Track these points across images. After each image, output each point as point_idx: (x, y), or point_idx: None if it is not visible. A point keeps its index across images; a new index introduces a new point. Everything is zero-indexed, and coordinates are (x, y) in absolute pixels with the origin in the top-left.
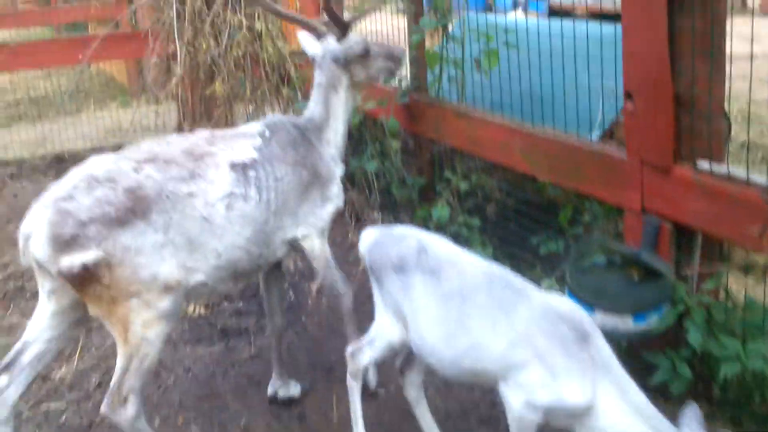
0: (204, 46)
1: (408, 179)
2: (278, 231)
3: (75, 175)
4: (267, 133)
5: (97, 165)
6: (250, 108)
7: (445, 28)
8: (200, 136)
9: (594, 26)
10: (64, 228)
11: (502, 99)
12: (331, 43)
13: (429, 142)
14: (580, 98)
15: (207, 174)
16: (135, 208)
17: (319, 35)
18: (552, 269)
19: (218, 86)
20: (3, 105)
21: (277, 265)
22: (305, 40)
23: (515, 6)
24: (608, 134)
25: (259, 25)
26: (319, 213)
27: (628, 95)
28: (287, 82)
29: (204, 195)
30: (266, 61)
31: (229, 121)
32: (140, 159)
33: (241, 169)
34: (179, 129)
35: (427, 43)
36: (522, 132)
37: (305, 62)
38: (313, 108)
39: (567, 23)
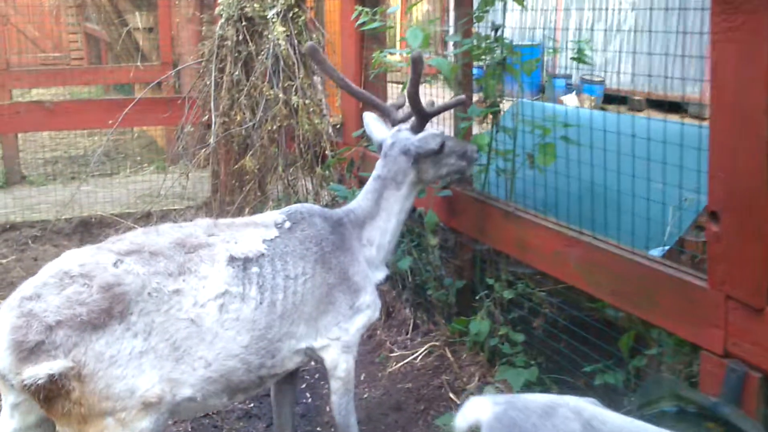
0: (238, 117)
1: (446, 280)
2: (287, 339)
3: (47, 270)
4: (287, 224)
5: (72, 258)
6: (280, 186)
7: (495, 115)
8: (199, 225)
9: (658, 123)
10: (28, 333)
11: (556, 198)
12: (404, 132)
13: (471, 241)
14: (644, 205)
15: (199, 269)
16: (111, 309)
17: (389, 120)
18: (608, 405)
19: (249, 161)
20: (40, 162)
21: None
22: (372, 123)
23: (569, 90)
24: (675, 251)
25: (296, 100)
26: (346, 325)
27: (712, 215)
28: (322, 160)
29: (193, 293)
30: (301, 137)
31: (258, 198)
32: (122, 251)
33: (241, 264)
34: (212, 200)
35: (474, 130)
36: (580, 242)
37: (342, 142)
38: (360, 200)
39: (626, 118)
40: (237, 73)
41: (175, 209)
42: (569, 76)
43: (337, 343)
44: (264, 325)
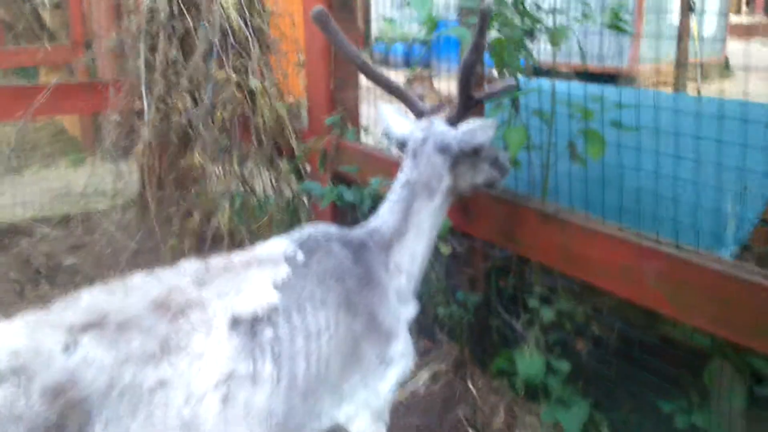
0: (179, 104)
1: (458, 294)
2: (311, 422)
3: None
4: (299, 256)
5: None
6: (234, 185)
7: (514, 100)
8: (184, 272)
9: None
10: None
11: (586, 192)
12: (438, 125)
13: (487, 246)
14: (704, 197)
15: (191, 343)
16: (63, 425)
17: (417, 112)
18: None
19: (196, 155)
20: None
21: None
22: (392, 116)
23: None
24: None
25: (254, 83)
26: (376, 384)
27: None
28: (285, 154)
29: (185, 383)
30: (261, 125)
31: (206, 196)
32: (76, 324)
33: (249, 327)
34: (141, 199)
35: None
36: (661, 254)
37: (307, 130)
38: (386, 215)
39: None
40: (173, 52)
41: (99, 210)
42: None
43: (366, 412)
44: (283, 412)
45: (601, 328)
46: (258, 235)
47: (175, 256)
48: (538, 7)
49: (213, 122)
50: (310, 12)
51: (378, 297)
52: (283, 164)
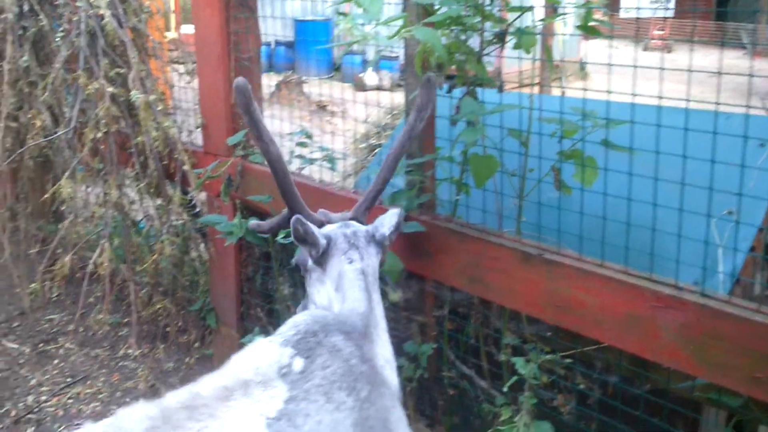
0: (38, 122)
1: (407, 345)
2: None
3: None
4: (297, 364)
5: None
6: (110, 213)
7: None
8: (135, 418)
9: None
10: None
11: (560, 223)
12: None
13: (439, 287)
14: (692, 225)
15: None
16: None
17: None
18: None
19: (65, 183)
20: None
21: None
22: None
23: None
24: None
25: (135, 95)
26: None
27: None
28: (174, 179)
29: None
30: (147, 146)
31: (72, 231)
32: None
33: None
34: None
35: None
36: (684, 303)
37: (202, 152)
38: (355, 301)
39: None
40: (25, 57)
41: None
42: (363, 52)
43: None
44: None
45: (584, 381)
46: (143, 275)
47: (36, 303)
48: None
49: (81, 143)
50: (234, 83)
51: (389, 400)
52: (173, 192)
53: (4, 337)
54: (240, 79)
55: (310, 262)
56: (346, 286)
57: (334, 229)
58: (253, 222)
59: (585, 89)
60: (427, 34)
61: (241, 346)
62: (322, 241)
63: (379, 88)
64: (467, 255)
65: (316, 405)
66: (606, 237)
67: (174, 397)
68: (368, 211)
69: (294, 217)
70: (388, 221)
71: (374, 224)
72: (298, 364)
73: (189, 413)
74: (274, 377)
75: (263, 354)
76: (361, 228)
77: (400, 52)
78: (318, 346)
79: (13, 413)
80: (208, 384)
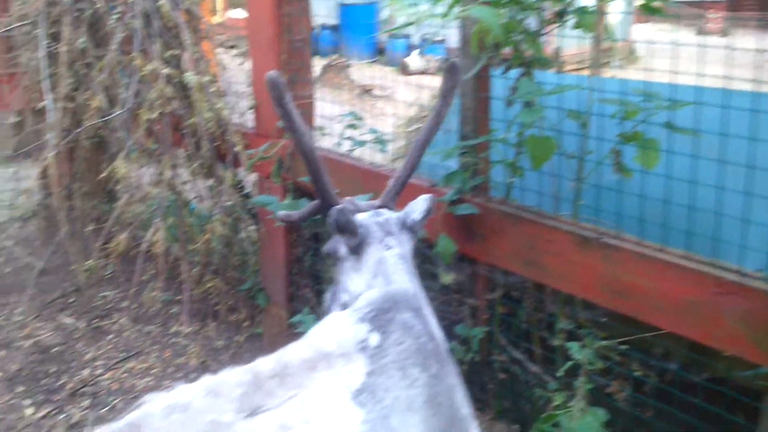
0: (94, 102)
1: (458, 327)
2: None
3: None
4: (373, 339)
5: None
6: (164, 194)
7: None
8: (221, 392)
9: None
10: None
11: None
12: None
13: (491, 270)
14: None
15: None
16: None
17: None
18: None
19: (121, 163)
20: None
21: None
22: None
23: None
24: None
25: (190, 77)
26: None
27: None
28: (226, 161)
29: None
30: (201, 127)
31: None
32: None
33: None
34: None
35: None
36: (748, 289)
37: (254, 133)
38: (402, 281)
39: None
40: (81, 39)
41: None
42: (408, 36)
43: None
44: None
45: (641, 367)
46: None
47: (91, 279)
48: None
49: (135, 124)
50: (266, 76)
51: (453, 378)
52: (225, 173)
53: (60, 313)
54: (272, 72)
55: (343, 251)
56: (389, 271)
57: (366, 218)
58: (282, 212)
59: (648, 69)
60: (485, 13)
61: (290, 326)
62: (360, 230)
63: (423, 71)
64: (522, 237)
65: (393, 380)
66: (667, 221)
67: (265, 365)
68: (397, 197)
69: (336, 208)
70: (419, 207)
71: (405, 210)
72: (374, 339)
73: (279, 381)
74: (354, 351)
75: (342, 328)
76: (392, 215)
77: (446, 35)
78: (391, 322)
79: (70, 386)
80: (294, 357)
